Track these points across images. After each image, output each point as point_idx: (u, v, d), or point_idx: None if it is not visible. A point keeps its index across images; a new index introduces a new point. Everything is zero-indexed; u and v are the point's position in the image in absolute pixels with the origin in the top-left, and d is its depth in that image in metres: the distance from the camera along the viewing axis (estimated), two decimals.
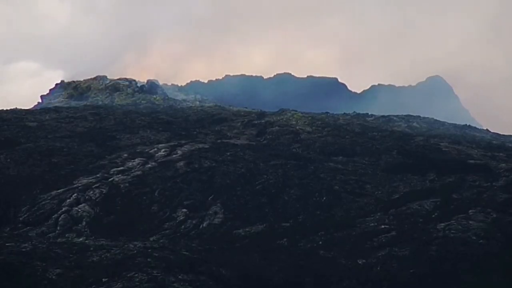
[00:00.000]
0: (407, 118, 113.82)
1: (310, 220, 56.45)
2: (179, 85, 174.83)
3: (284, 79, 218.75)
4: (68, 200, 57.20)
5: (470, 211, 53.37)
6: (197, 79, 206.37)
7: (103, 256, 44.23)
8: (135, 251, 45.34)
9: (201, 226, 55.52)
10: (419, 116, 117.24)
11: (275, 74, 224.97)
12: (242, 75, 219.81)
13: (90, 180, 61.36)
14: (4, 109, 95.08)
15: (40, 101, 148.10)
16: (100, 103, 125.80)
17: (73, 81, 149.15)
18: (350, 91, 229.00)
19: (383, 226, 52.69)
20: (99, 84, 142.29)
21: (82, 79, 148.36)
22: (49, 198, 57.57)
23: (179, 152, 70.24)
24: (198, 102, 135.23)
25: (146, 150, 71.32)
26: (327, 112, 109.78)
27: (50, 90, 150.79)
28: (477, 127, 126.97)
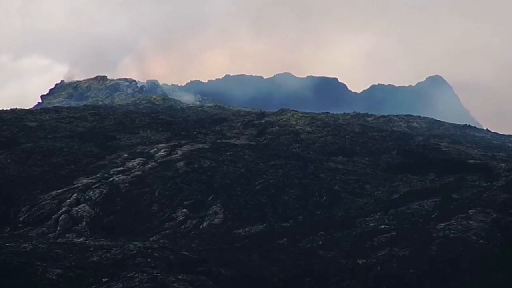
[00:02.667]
0: (407, 118, 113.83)
1: (310, 220, 56.46)
2: (179, 85, 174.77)
3: (284, 79, 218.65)
4: (68, 200, 57.19)
5: (470, 211, 53.36)
6: (197, 79, 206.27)
7: (103, 256, 44.25)
8: (135, 251, 45.35)
9: (201, 226, 55.50)
10: (419, 116, 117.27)
11: (275, 74, 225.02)
12: (242, 75, 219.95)
13: (90, 180, 61.36)
14: (4, 109, 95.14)
15: (40, 101, 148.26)
16: (100, 103, 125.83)
17: (73, 81, 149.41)
18: (350, 91, 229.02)
19: (383, 226, 52.69)
20: (99, 84, 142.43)
21: (82, 79, 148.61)
22: (49, 198, 57.56)
23: (179, 152, 70.25)
24: (198, 102, 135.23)
25: (146, 150, 71.32)
26: (327, 112, 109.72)
27: (50, 90, 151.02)
28: (477, 127, 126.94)
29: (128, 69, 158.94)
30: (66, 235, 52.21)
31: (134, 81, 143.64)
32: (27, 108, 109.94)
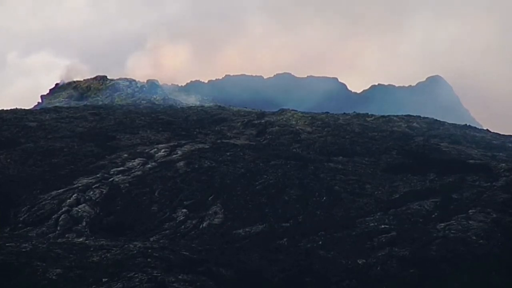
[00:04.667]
0: (407, 118, 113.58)
1: (310, 220, 56.46)
2: (179, 85, 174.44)
3: (284, 79, 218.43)
4: (68, 200, 57.23)
5: (470, 211, 53.39)
6: (197, 79, 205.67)
7: (103, 256, 44.27)
8: (135, 251, 45.38)
9: (201, 226, 55.53)
10: (419, 116, 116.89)
11: (275, 74, 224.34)
12: (242, 75, 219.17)
13: (90, 180, 61.39)
14: (4, 109, 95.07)
15: (40, 101, 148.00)
16: (100, 103, 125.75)
17: (73, 81, 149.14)
18: (350, 91, 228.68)
19: (383, 226, 52.70)
20: (99, 84, 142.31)
21: (82, 79, 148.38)
22: (49, 198, 57.59)
23: (179, 152, 70.26)
24: (198, 102, 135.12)
25: (146, 150, 71.33)
26: (327, 112, 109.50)
27: (50, 90, 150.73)
28: (477, 127, 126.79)
29: (140, 67, 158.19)
30: (66, 235, 52.25)
31: (134, 81, 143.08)
32: (28, 108, 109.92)
